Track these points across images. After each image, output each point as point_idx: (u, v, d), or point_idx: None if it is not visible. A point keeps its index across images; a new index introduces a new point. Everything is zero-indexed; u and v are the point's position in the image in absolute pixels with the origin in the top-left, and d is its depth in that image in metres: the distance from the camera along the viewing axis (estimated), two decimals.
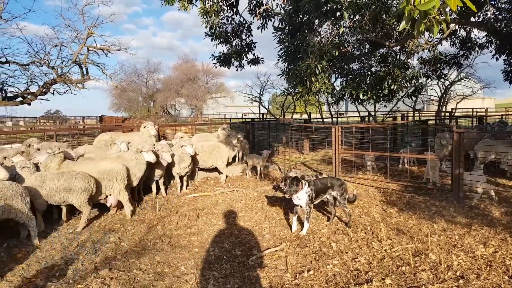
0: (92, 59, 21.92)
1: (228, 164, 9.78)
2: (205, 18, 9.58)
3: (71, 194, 5.68)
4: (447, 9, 2.65)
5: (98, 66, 22.04)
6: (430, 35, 9.00)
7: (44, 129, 22.43)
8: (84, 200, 5.82)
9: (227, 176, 9.46)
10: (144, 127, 8.92)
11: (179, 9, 9.39)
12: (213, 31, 10.07)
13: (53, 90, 21.28)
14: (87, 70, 21.35)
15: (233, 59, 10.65)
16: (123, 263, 4.65)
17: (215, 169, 9.44)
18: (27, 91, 20.27)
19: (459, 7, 2.51)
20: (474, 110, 28.13)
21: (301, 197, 5.41)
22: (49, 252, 4.96)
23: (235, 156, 10.41)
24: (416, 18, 2.61)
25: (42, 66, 20.38)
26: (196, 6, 9.47)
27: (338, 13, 6.98)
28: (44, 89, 20.25)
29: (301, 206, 5.53)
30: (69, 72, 21.43)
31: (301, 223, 5.76)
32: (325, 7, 6.81)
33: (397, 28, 8.68)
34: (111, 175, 6.28)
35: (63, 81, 20.77)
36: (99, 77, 23.49)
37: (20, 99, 19.62)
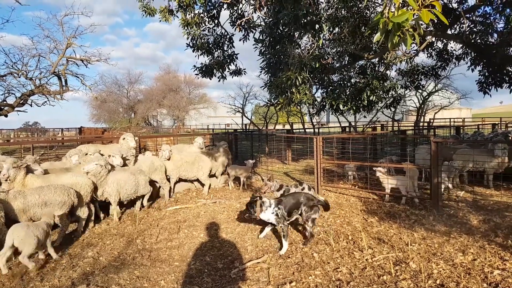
0: (72, 70, 21.77)
1: (213, 175, 9.74)
2: (186, 29, 9.59)
3: (51, 208, 5.50)
4: (421, 22, 2.72)
5: (78, 77, 21.80)
6: (406, 48, 9.25)
7: (21, 141, 21.85)
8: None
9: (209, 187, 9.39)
10: (124, 138, 8.74)
11: (160, 20, 9.39)
12: (194, 42, 10.09)
13: (31, 102, 20.89)
14: (66, 81, 21.08)
15: (215, 70, 10.66)
16: (102, 279, 4.52)
17: (196, 180, 9.36)
18: (4, 102, 19.83)
19: (432, 20, 2.58)
20: (452, 120, 28.90)
21: (270, 217, 5.37)
22: (25, 268, 4.78)
23: None
24: (390, 30, 2.67)
25: (19, 77, 20.06)
26: (178, 17, 9.48)
27: (317, 26, 7.09)
28: (22, 101, 19.87)
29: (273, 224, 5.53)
30: (47, 83, 21.12)
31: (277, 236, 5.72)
32: (304, 20, 6.91)
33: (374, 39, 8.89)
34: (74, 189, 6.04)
35: (41, 92, 20.43)
36: (78, 88, 23.21)
37: None
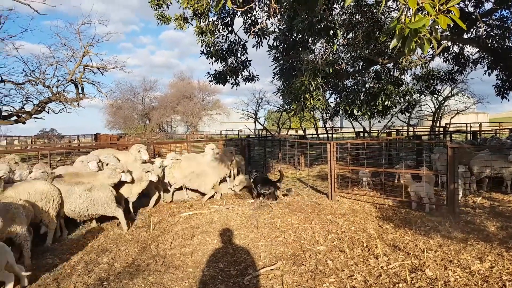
0: (88, 78, 22.12)
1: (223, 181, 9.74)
2: (200, 37, 9.71)
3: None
4: (438, 27, 2.69)
5: (94, 85, 22.19)
6: (422, 52, 9.18)
7: (38, 148, 22.29)
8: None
9: (221, 194, 9.41)
10: (139, 151, 8.50)
11: (175, 28, 9.53)
12: (208, 49, 10.20)
13: (48, 109, 21.31)
14: (82, 88, 21.48)
15: (228, 76, 10.75)
16: (116, 284, 4.56)
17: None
18: (22, 110, 20.27)
19: (448, 25, 2.55)
20: (468, 125, 28.39)
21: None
22: (41, 273, 4.85)
23: (230, 173, 10.35)
24: (407, 36, 2.65)
25: (37, 85, 20.50)
26: (192, 25, 9.61)
27: (331, 32, 7.09)
28: (39, 108, 20.27)
29: None
30: (64, 90, 21.54)
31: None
32: (318, 26, 6.92)
33: (389, 45, 8.83)
34: (46, 197, 5.88)
35: (58, 99, 20.83)
36: (94, 95, 23.59)
37: (14, 118, 19.59)
